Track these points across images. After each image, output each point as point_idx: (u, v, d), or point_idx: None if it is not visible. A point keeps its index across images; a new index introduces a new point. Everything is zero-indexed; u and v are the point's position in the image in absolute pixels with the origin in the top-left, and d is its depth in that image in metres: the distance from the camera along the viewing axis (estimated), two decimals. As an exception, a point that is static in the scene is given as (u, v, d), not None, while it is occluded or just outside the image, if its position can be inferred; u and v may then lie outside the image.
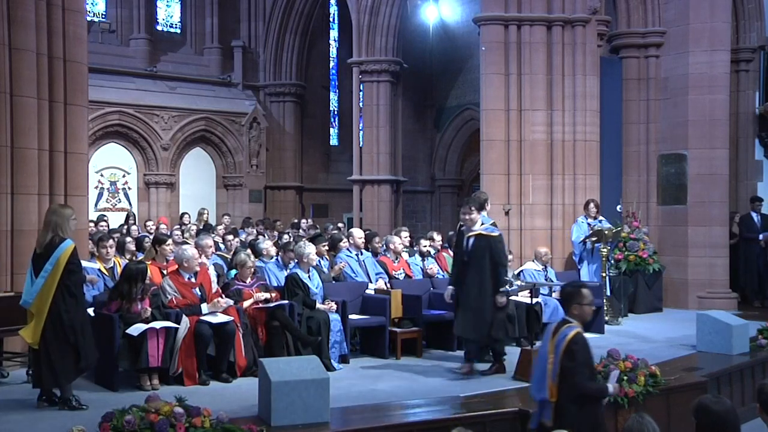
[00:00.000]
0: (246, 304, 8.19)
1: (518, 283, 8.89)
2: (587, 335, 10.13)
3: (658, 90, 13.38)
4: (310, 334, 8.24)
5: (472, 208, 8.02)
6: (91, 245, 9.39)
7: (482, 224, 8.07)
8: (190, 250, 8.12)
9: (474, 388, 7.38)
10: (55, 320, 6.40)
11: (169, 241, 9.29)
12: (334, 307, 8.57)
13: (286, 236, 12.72)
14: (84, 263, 7.95)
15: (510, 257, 10.40)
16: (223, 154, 19.59)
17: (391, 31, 18.49)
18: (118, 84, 17.77)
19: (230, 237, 11.84)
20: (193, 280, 7.99)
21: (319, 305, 8.53)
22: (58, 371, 6.45)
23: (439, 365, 8.59)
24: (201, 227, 13.71)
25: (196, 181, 19.24)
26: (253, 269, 8.62)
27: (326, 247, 10.39)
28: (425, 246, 10.69)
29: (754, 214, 14.01)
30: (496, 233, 8.07)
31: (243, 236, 13.29)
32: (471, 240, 8.02)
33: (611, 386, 5.23)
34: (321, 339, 8.20)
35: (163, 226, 13.88)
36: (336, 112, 22.88)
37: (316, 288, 8.68)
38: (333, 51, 22.63)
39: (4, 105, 7.85)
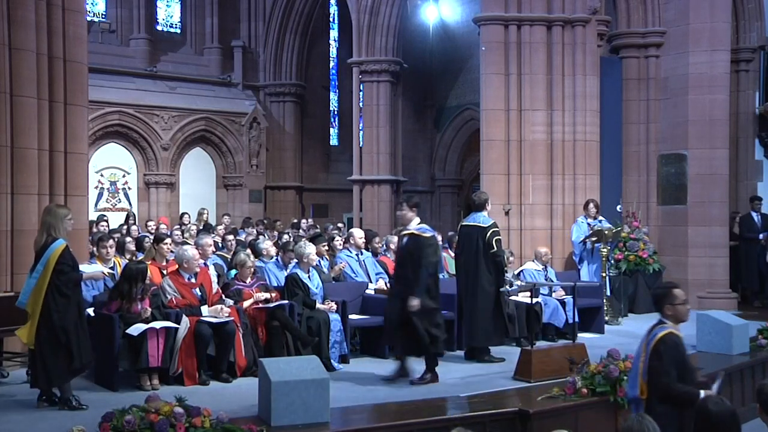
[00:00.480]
0: (246, 304, 8.19)
1: (518, 283, 8.90)
2: (589, 335, 10.20)
3: (658, 90, 13.38)
4: (310, 334, 8.24)
5: (404, 206, 7.73)
6: (91, 245, 9.39)
7: (419, 223, 7.71)
8: (190, 250, 8.11)
9: (474, 388, 7.37)
10: (47, 321, 6.41)
11: (168, 240, 9.30)
12: (334, 307, 8.57)
13: (286, 236, 12.72)
14: (87, 266, 7.95)
15: (510, 258, 10.41)
16: (223, 154, 19.59)
17: (391, 31, 18.49)
18: (118, 84, 17.77)
19: (230, 237, 11.84)
20: (193, 280, 7.99)
21: (319, 305, 8.53)
22: (51, 372, 6.46)
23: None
24: (201, 227, 13.71)
25: (196, 181, 19.24)
26: (253, 269, 8.62)
27: (326, 247, 10.39)
28: None
29: (754, 214, 14.01)
30: (428, 234, 7.63)
31: (243, 236, 13.29)
32: (404, 239, 7.73)
33: (704, 392, 4.71)
34: (318, 339, 8.19)
35: (163, 226, 13.88)
36: (336, 112, 22.88)
37: (316, 288, 8.68)
38: (333, 51, 22.63)
39: (4, 105, 7.84)
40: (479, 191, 9.64)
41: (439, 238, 11.30)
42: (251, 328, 8.05)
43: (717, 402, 3.95)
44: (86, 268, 7.59)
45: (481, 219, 8.80)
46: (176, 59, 19.42)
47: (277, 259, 9.69)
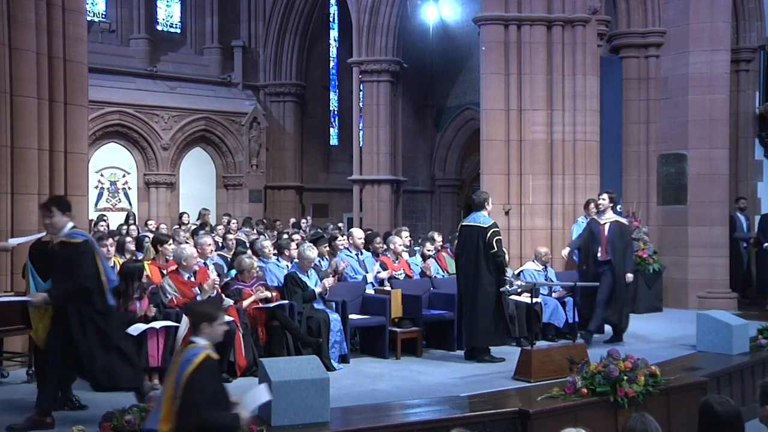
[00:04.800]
0: (246, 303, 8.17)
1: (518, 283, 8.90)
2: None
3: (658, 90, 13.38)
4: (310, 334, 8.24)
5: (53, 210, 6.13)
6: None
7: (72, 228, 6.16)
8: (188, 248, 8.12)
9: (474, 388, 7.37)
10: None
11: (170, 241, 9.30)
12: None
13: (285, 236, 12.72)
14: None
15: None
16: (223, 154, 19.59)
17: (391, 31, 18.50)
18: (118, 84, 17.78)
19: (230, 237, 11.84)
20: (192, 279, 7.99)
21: (316, 288, 8.55)
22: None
23: (439, 365, 8.59)
24: (198, 226, 13.72)
25: (196, 181, 19.24)
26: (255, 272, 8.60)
27: (327, 248, 10.39)
28: (429, 250, 10.68)
29: None
30: (78, 239, 6.08)
31: (243, 236, 13.28)
32: (55, 249, 6.21)
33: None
34: (321, 341, 8.20)
35: (163, 226, 13.89)
36: (336, 112, 22.89)
37: (315, 287, 8.68)
38: (333, 51, 22.63)
39: (4, 105, 7.84)
40: (479, 191, 9.64)
41: (440, 238, 11.33)
42: (251, 328, 8.05)
43: (722, 402, 3.94)
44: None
45: (482, 219, 8.79)
46: (176, 59, 19.42)
47: (277, 259, 9.68)
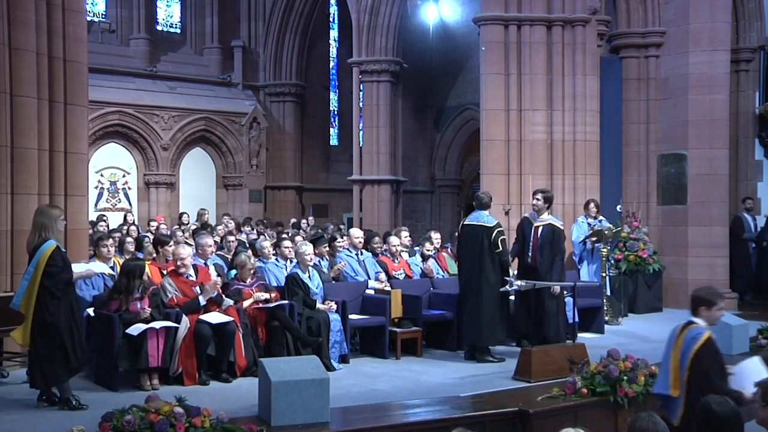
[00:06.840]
0: (246, 303, 8.18)
1: (518, 283, 8.90)
2: (589, 335, 10.18)
3: (658, 90, 13.37)
4: (310, 334, 8.24)
5: None
6: (90, 245, 9.38)
7: None
8: (182, 248, 8.16)
9: (474, 388, 7.38)
10: (40, 322, 6.42)
11: (171, 242, 9.31)
12: (334, 306, 8.57)
13: (285, 236, 12.72)
14: (82, 264, 7.91)
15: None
16: (223, 154, 19.59)
17: (391, 31, 18.49)
18: (118, 84, 17.78)
19: (230, 237, 11.83)
20: (193, 278, 7.99)
21: (319, 305, 8.53)
22: (47, 372, 6.46)
23: (439, 365, 8.60)
24: (199, 227, 13.71)
25: (196, 181, 19.24)
26: (253, 270, 8.61)
27: (327, 248, 10.38)
28: (429, 250, 10.68)
29: None
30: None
31: (243, 236, 13.28)
32: None
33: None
34: (321, 340, 8.20)
35: (163, 226, 13.88)
36: (336, 112, 22.89)
37: (316, 288, 8.69)
38: (333, 51, 22.63)
39: (4, 105, 7.85)
40: (483, 190, 9.67)
41: (438, 237, 11.33)
42: (251, 328, 8.05)
43: (721, 402, 3.94)
44: (79, 267, 7.49)
45: (485, 218, 8.83)
46: (176, 59, 19.43)
47: (276, 259, 9.69)
